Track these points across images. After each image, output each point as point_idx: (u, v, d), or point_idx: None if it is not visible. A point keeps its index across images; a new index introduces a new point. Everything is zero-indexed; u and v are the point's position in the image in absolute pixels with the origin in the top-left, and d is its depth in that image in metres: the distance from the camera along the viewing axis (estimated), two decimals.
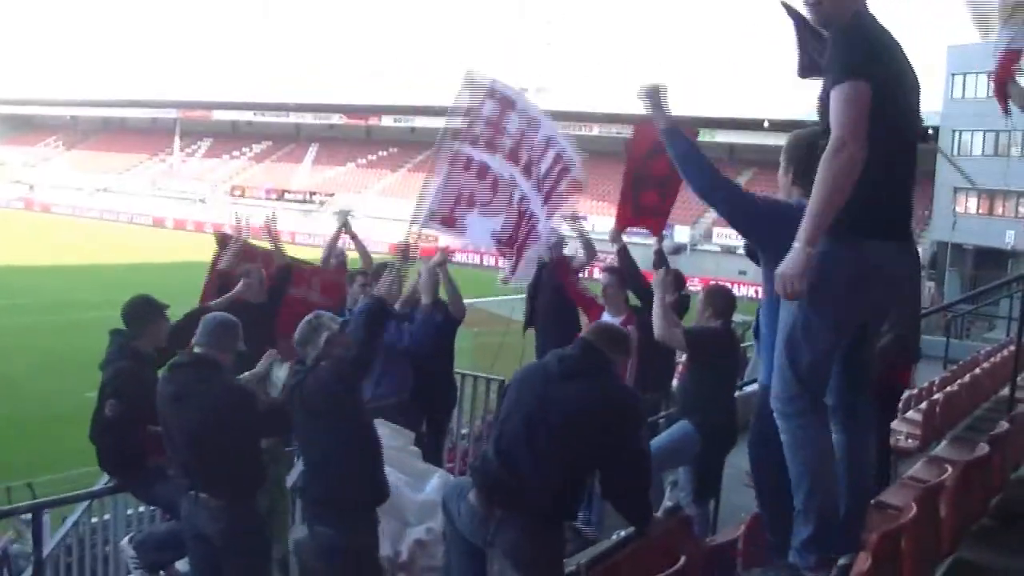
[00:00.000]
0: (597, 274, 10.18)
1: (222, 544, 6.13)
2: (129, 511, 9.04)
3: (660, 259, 9.04)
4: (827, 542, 4.02)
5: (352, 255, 10.65)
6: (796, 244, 3.86)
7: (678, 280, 8.62)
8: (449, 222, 7.14)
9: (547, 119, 7.48)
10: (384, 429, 7.45)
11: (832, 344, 4.12)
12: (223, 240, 9.31)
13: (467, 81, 7.19)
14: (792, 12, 5.05)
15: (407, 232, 6.58)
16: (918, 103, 4.15)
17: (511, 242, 7.42)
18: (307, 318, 6.21)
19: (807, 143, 4.43)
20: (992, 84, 6.10)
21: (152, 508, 8.35)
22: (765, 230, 4.60)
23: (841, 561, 4.13)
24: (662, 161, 8.80)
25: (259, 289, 8.38)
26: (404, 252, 6.60)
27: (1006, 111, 6.17)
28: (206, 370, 6.12)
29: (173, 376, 6.17)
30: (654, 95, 4.76)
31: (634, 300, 9.06)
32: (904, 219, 4.12)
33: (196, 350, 6.23)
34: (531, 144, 7.30)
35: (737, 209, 4.69)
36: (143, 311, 7.15)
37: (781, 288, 3.90)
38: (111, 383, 6.90)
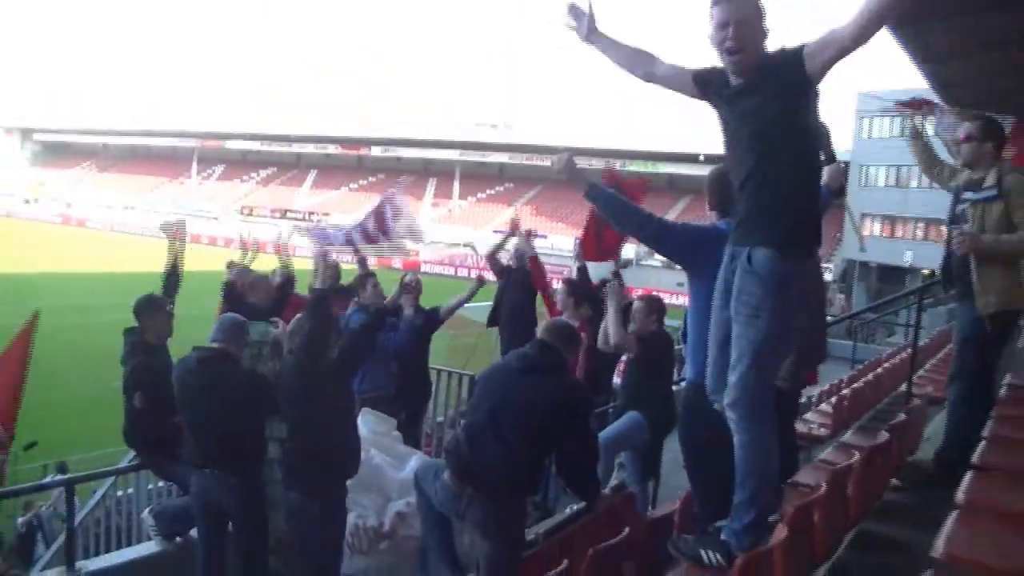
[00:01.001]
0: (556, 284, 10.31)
1: (236, 514, 6.12)
2: (150, 486, 9.01)
3: (615, 275, 9.09)
4: (764, 529, 3.98)
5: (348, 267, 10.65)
6: None
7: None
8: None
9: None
10: (371, 416, 7.48)
11: (788, 354, 4.10)
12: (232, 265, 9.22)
13: None
14: None
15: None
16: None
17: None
18: (299, 315, 6.24)
19: (721, 176, 4.48)
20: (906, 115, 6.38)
21: (169, 484, 8.32)
22: (688, 253, 4.67)
23: None
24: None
25: (265, 297, 8.34)
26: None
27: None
28: (227, 363, 6.18)
29: (199, 367, 6.15)
30: (568, 165, 4.61)
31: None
32: (820, 237, 4.05)
33: (215, 345, 6.24)
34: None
35: (663, 241, 4.71)
36: (144, 306, 7.11)
37: None
38: (132, 377, 6.90)
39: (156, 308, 7.16)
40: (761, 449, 3.96)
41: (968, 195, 5.51)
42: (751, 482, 3.97)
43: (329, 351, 6.00)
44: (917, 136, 6.28)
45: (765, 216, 3.85)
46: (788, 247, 3.81)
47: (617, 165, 57.80)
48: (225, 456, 6.05)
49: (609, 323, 7.07)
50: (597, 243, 9.21)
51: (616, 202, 4.63)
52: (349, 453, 6.12)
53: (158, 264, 8.26)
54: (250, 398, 6.08)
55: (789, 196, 3.80)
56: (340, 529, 6.14)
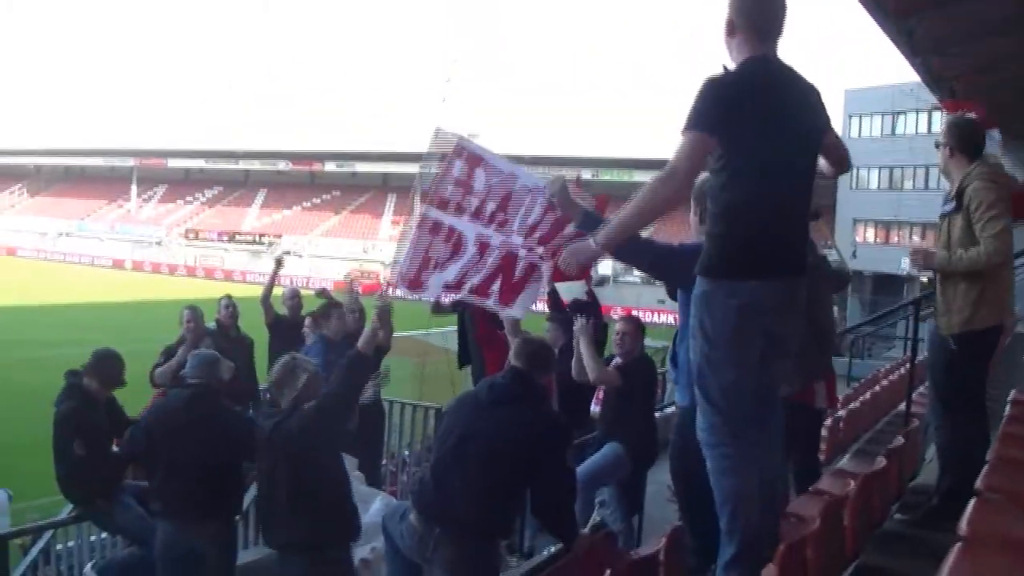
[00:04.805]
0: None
1: (217, 562, 6.11)
2: (92, 537, 8.92)
3: (589, 295, 9.13)
4: (750, 562, 3.99)
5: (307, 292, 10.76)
6: (592, 240, 4.10)
7: (596, 327, 8.44)
8: (415, 285, 6.46)
9: (521, 170, 6.62)
10: None
11: (737, 375, 3.97)
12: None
13: (436, 138, 6.13)
14: None
15: (382, 294, 6.32)
16: (809, 145, 4.13)
17: (480, 288, 6.68)
18: (283, 360, 5.97)
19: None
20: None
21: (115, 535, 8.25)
22: (684, 274, 4.60)
23: None
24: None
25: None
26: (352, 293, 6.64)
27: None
28: (216, 399, 6.24)
29: (189, 404, 6.21)
30: (562, 191, 4.95)
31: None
32: (787, 255, 4.01)
33: (198, 381, 6.29)
34: (500, 196, 6.48)
35: (657, 266, 4.93)
36: (99, 359, 7.03)
37: (561, 263, 4.18)
38: (67, 422, 6.74)
39: (110, 362, 7.06)
40: (722, 473, 4.02)
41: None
42: (725, 511, 4.02)
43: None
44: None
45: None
46: (713, 271, 3.97)
47: (589, 175, 58.05)
48: (207, 500, 6.02)
49: (585, 361, 7.17)
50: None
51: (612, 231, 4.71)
52: (354, 512, 5.97)
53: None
54: (240, 438, 6.03)
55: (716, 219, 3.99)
56: None
